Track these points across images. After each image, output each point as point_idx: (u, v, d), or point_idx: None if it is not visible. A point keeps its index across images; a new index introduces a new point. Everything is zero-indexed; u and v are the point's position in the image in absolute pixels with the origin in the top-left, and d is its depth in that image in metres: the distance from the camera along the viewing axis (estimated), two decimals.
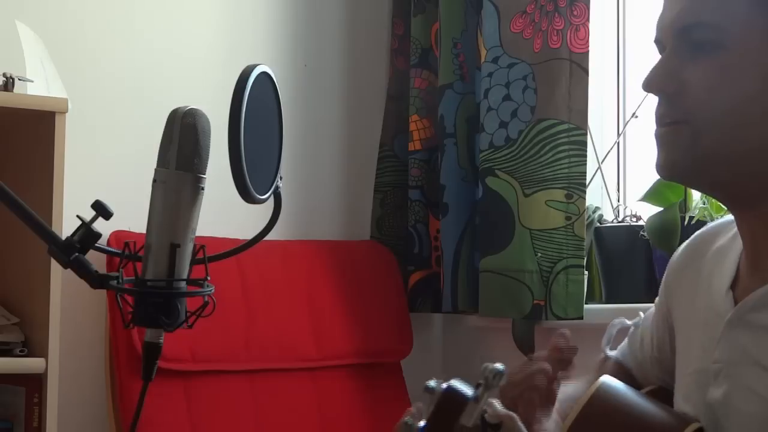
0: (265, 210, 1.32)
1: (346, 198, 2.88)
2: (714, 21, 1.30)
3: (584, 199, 2.48)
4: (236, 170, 1.21)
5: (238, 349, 2.51)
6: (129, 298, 1.24)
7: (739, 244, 1.40)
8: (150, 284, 1.22)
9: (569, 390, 1.43)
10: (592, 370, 1.58)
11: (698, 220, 2.28)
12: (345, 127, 2.89)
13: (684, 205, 2.32)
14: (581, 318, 2.46)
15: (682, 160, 1.33)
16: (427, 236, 2.77)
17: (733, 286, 1.39)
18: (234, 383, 2.50)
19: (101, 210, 1.24)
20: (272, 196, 1.28)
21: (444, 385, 1.14)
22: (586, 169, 2.49)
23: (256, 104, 1.23)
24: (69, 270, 1.24)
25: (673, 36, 1.34)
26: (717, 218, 2.28)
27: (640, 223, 2.44)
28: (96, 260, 1.28)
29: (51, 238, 1.24)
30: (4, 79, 2.11)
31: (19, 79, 2.13)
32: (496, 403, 1.22)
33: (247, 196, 1.22)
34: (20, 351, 2.14)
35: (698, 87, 1.31)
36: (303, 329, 2.60)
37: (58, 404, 2.11)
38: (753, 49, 1.29)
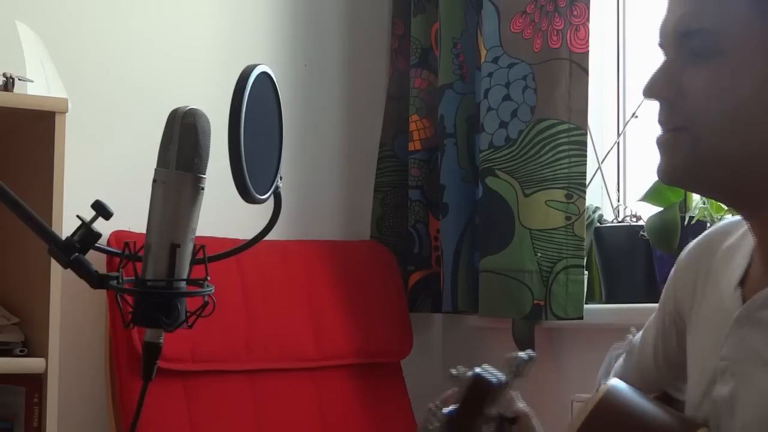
0: (265, 210, 1.32)
1: (346, 198, 2.88)
2: (713, 27, 1.31)
3: (584, 199, 2.48)
4: (236, 170, 1.21)
5: (238, 349, 2.51)
6: (129, 298, 1.24)
7: (748, 242, 1.41)
8: (150, 284, 1.22)
9: None
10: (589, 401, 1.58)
11: (698, 220, 2.29)
12: (345, 127, 2.89)
13: (684, 205, 2.32)
14: (581, 318, 2.46)
15: (683, 165, 1.34)
16: (427, 236, 2.77)
17: (742, 283, 1.39)
18: (234, 383, 2.50)
19: (101, 210, 1.24)
20: (272, 196, 1.28)
21: (470, 373, 1.14)
22: (586, 169, 2.49)
23: (256, 104, 1.23)
24: (69, 270, 1.24)
25: (674, 41, 1.35)
26: (717, 218, 2.28)
27: (640, 223, 2.44)
28: (96, 260, 1.28)
29: (51, 238, 1.24)
30: (4, 79, 2.11)
31: (19, 79, 2.13)
32: (516, 397, 1.22)
33: (247, 196, 1.22)
34: (20, 351, 2.14)
35: (697, 93, 1.32)
36: (303, 329, 2.60)
37: (58, 404, 2.10)
38: (751, 55, 1.30)
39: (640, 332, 1.63)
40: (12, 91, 2.11)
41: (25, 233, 1.28)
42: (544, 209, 2.49)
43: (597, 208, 2.56)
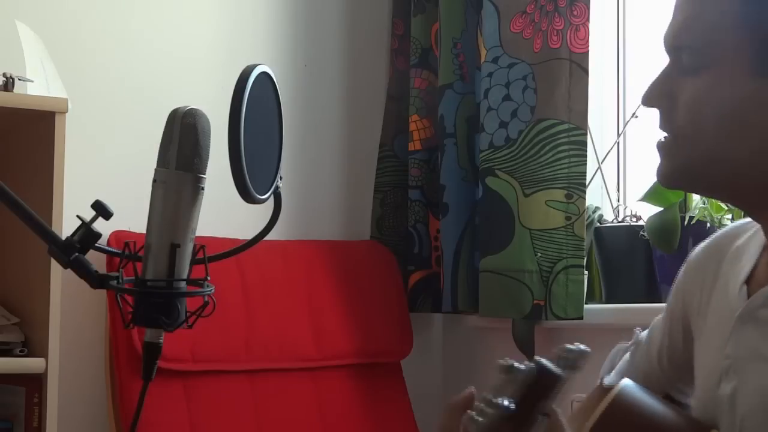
0: (265, 210, 1.32)
1: (346, 198, 2.88)
2: (698, 45, 1.35)
3: (584, 199, 2.48)
4: (236, 170, 1.21)
5: (238, 349, 2.51)
6: (129, 298, 1.24)
7: (756, 242, 1.43)
8: (150, 284, 1.22)
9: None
10: (589, 398, 1.58)
11: (698, 220, 2.29)
12: (345, 127, 2.89)
13: (684, 205, 2.32)
14: (581, 318, 2.46)
15: (678, 170, 1.38)
16: (427, 236, 2.77)
17: (749, 281, 1.41)
18: (234, 383, 2.50)
19: (101, 210, 1.24)
20: (272, 196, 1.28)
21: (532, 364, 1.11)
22: (586, 169, 2.49)
23: (256, 104, 1.23)
24: (69, 270, 1.24)
25: (669, 52, 1.40)
26: (717, 218, 2.28)
27: (640, 223, 2.44)
28: (96, 260, 1.28)
29: (51, 238, 1.24)
30: (4, 79, 2.11)
31: (19, 79, 2.13)
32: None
33: (247, 196, 1.22)
34: (20, 351, 2.14)
35: (686, 103, 1.36)
36: (303, 329, 2.60)
37: (58, 404, 2.10)
38: (732, 72, 1.33)
39: (647, 330, 1.63)
40: (12, 91, 2.11)
41: (25, 233, 1.28)
42: (544, 209, 2.49)
43: (597, 208, 2.56)
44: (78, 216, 1.26)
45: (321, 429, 2.56)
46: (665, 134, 1.39)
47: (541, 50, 2.52)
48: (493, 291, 2.53)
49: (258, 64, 1.25)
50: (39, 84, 2.17)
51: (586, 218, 2.48)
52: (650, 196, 2.38)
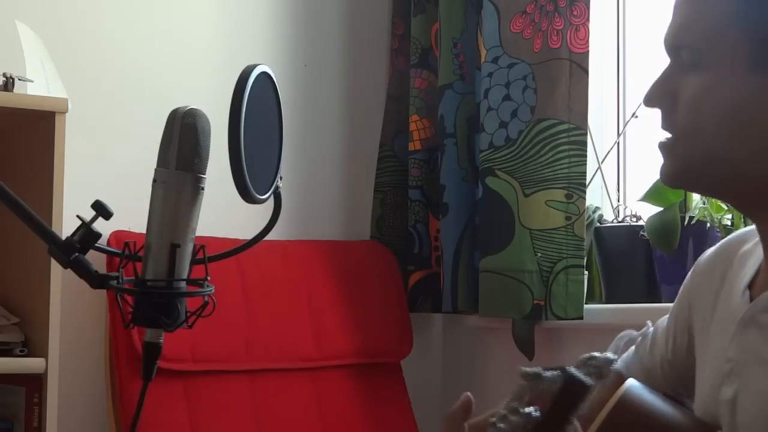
0: (265, 210, 1.32)
1: (346, 198, 2.88)
2: (697, 44, 1.36)
3: (584, 199, 2.48)
4: (236, 170, 1.21)
5: (238, 349, 2.51)
6: (129, 298, 1.24)
7: (761, 247, 1.42)
8: (150, 284, 1.22)
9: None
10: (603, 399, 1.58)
11: (698, 220, 2.29)
12: (345, 127, 2.89)
13: (684, 205, 2.32)
14: (581, 318, 2.46)
15: (679, 170, 1.39)
16: (427, 236, 2.77)
17: (751, 286, 1.41)
18: (234, 383, 2.50)
19: (101, 210, 1.24)
20: (272, 196, 1.28)
21: (558, 372, 1.10)
22: (586, 169, 2.49)
23: (256, 104, 1.23)
24: (69, 270, 1.24)
25: (669, 52, 1.40)
26: (717, 218, 2.28)
27: (640, 223, 2.44)
28: (96, 260, 1.28)
29: (51, 238, 1.24)
30: (4, 79, 2.11)
31: (19, 79, 2.13)
32: None
33: (247, 196, 1.22)
34: (20, 351, 2.14)
35: (688, 101, 1.36)
36: (303, 329, 2.60)
37: (58, 404, 2.10)
38: (732, 70, 1.34)
39: (654, 327, 1.63)
40: (12, 91, 2.11)
41: (25, 233, 1.28)
42: (544, 209, 2.49)
43: (597, 208, 2.56)
44: (78, 216, 1.26)
45: (321, 429, 2.56)
46: (664, 135, 1.39)
47: (541, 50, 2.52)
48: (493, 291, 2.53)
49: (258, 64, 1.25)
50: (39, 84, 2.17)
51: (586, 218, 2.48)
52: (650, 196, 2.38)
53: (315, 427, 2.55)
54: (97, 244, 1.25)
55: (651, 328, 1.64)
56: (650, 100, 1.40)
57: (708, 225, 2.29)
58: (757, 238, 1.45)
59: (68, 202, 2.07)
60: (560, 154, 2.49)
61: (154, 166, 1.23)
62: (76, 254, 1.23)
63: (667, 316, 1.61)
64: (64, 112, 2.12)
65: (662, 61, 1.42)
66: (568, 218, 2.48)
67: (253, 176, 1.22)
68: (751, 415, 1.34)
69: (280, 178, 1.29)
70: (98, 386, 2.49)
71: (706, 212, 2.29)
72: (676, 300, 1.58)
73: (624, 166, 2.69)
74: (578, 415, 1.08)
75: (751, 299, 1.39)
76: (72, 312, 2.35)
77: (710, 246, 1.58)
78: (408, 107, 2.81)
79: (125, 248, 1.26)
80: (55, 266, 2.08)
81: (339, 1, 2.89)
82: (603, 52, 2.71)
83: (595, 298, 2.56)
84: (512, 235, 2.51)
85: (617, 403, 1.39)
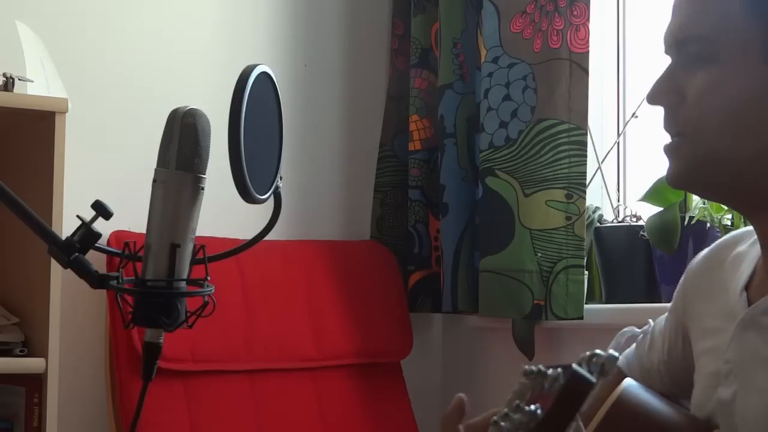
0: (265, 210, 1.32)
1: (346, 198, 2.88)
2: (707, 35, 1.34)
3: (584, 199, 2.48)
4: (236, 170, 1.21)
5: (238, 349, 2.51)
6: (129, 298, 1.24)
7: (757, 249, 1.42)
8: (150, 284, 1.22)
9: None
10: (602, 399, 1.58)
11: (698, 220, 2.29)
12: (345, 127, 2.89)
13: (684, 205, 2.32)
14: (581, 318, 2.46)
15: (686, 170, 1.37)
16: (427, 236, 2.77)
17: (748, 287, 1.41)
18: (234, 383, 2.50)
19: (101, 210, 1.24)
20: (272, 196, 1.28)
21: (560, 370, 1.09)
22: (586, 169, 2.49)
23: (256, 104, 1.23)
24: (69, 270, 1.24)
25: (674, 49, 1.38)
26: (717, 218, 2.28)
27: (640, 223, 2.44)
28: (96, 260, 1.28)
29: (51, 238, 1.24)
30: (4, 79, 2.11)
31: (19, 79, 2.13)
32: None
33: (247, 196, 1.22)
34: (20, 351, 2.14)
35: (694, 98, 1.34)
36: (303, 329, 2.60)
37: (58, 404, 2.10)
38: (747, 60, 1.32)
39: (652, 327, 1.63)
40: (12, 91, 2.11)
41: (25, 233, 1.28)
42: (544, 209, 2.49)
43: (597, 208, 2.56)
44: (78, 216, 1.26)
45: (321, 429, 2.56)
46: (670, 134, 1.38)
47: (541, 50, 2.52)
48: (493, 291, 2.53)
49: (258, 64, 1.25)
50: (39, 84, 2.17)
51: (586, 218, 2.48)
52: (650, 196, 2.38)
53: (315, 427, 2.55)
54: (97, 244, 1.25)
55: (652, 326, 1.64)
56: (654, 98, 1.38)
57: (708, 225, 2.29)
58: (752, 239, 1.45)
59: (68, 202, 2.07)
60: (560, 154, 2.49)
61: (154, 166, 1.23)
62: (76, 254, 1.24)
63: (665, 315, 1.61)
64: (64, 112, 2.12)
65: (663, 60, 1.41)
66: (568, 218, 2.48)
67: (253, 176, 1.22)
68: (755, 416, 1.34)
69: (280, 178, 1.29)
70: (98, 386, 2.49)
71: (706, 212, 2.29)
72: (671, 304, 1.58)
73: (624, 166, 2.69)
74: (581, 412, 1.08)
75: (749, 300, 1.39)
76: (72, 312, 2.35)
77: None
78: (408, 107, 2.81)
79: (125, 248, 1.26)
80: (55, 266, 2.08)
81: (339, 1, 2.89)
82: (603, 52, 2.71)
83: (595, 298, 2.56)
84: (512, 235, 2.51)
85: (615, 402, 1.39)
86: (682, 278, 1.56)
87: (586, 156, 2.49)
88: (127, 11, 2.62)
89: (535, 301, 2.48)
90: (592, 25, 2.50)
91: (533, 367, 1.10)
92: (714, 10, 1.34)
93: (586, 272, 2.51)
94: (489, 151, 2.55)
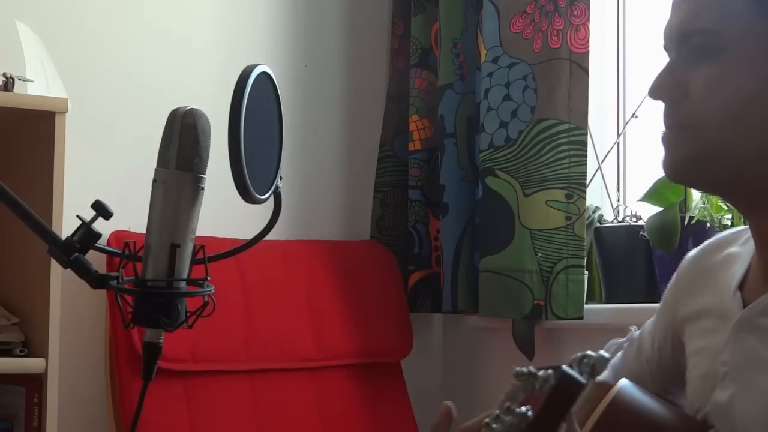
0: (265, 210, 1.32)
1: (346, 198, 2.88)
2: (713, 27, 1.32)
3: (584, 199, 2.48)
4: (236, 170, 1.21)
5: (238, 349, 2.51)
6: (129, 298, 1.24)
7: (749, 249, 1.41)
8: (150, 284, 1.22)
9: None
10: (584, 396, 1.57)
11: (698, 220, 2.29)
12: (345, 127, 2.89)
13: (684, 205, 2.32)
14: (581, 318, 2.46)
15: (686, 161, 1.35)
16: (427, 236, 2.77)
17: (742, 287, 1.40)
18: (234, 383, 2.50)
19: (101, 210, 1.24)
20: (272, 196, 1.28)
21: (554, 371, 1.09)
22: (586, 169, 2.49)
23: (256, 104, 1.23)
24: (69, 270, 1.24)
25: (677, 42, 1.37)
26: (717, 218, 2.28)
27: (640, 223, 2.44)
28: (96, 260, 1.28)
29: (51, 238, 1.24)
30: (4, 79, 2.11)
31: (19, 79, 2.13)
32: None
33: (247, 196, 1.22)
34: (20, 351, 2.14)
35: (700, 91, 1.33)
36: (303, 329, 2.60)
37: (58, 404, 2.10)
38: (752, 54, 1.31)
39: (640, 330, 1.63)
40: (12, 91, 2.11)
41: (25, 233, 1.28)
42: (545, 209, 2.49)
43: (597, 208, 2.56)
44: (78, 216, 1.26)
45: (321, 429, 2.56)
46: (670, 127, 1.36)
47: (541, 50, 2.52)
48: (493, 291, 2.53)
49: (258, 64, 1.25)
50: (39, 84, 2.17)
51: (586, 218, 2.48)
52: (650, 196, 2.38)
53: (315, 427, 2.55)
54: (97, 244, 1.25)
55: (636, 333, 1.63)
56: (656, 91, 1.36)
57: (708, 225, 2.29)
58: (743, 239, 1.44)
59: (68, 202, 2.07)
60: (560, 154, 2.49)
61: (154, 166, 1.23)
62: (76, 254, 1.24)
63: (652, 318, 1.60)
64: (64, 112, 2.12)
65: (663, 57, 1.39)
66: (568, 218, 2.48)
67: (253, 176, 1.22)
68: (755, 418, 1.33)
69: (280, 178, 1.29)
70: (98, 386, 2.49)
71: (706, 212, 2.29)
72: (661, 302, 1.57)
73: (624, 166, 2.69)
74: (572, 413, 1.08)
75: (743, 300, 1.38)
76: (72, 312, 2.35)
77: None
78: (408, 107, 2.81)
79: (125, 248, 1.26)
80: (55, 266, 2.08)
81: (339, 1, 2.89)
82: (603, 52, 2.71)
83: (595, 298, 2.56)
84: (512, 235, 2.51)
85: (611, 402, 1.39)
86: (673, 278, 1.55)
87: (586, 156, 2.49)
88: (128, 11, 2.62)
89: (535, 301, 2.48)
90: (592, 25, 2.50)
91: (524, 369, 1.10)
92: (718, 2, 1.32)
93: (586, 272, 2.51)
94: (489, 151, 2.55)
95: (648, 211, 2.41)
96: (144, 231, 1.23)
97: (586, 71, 2.48)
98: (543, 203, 2.49)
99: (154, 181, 1.23)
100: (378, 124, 2.89)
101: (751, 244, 1.40)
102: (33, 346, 2.14)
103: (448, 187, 2.66)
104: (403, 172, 2.83)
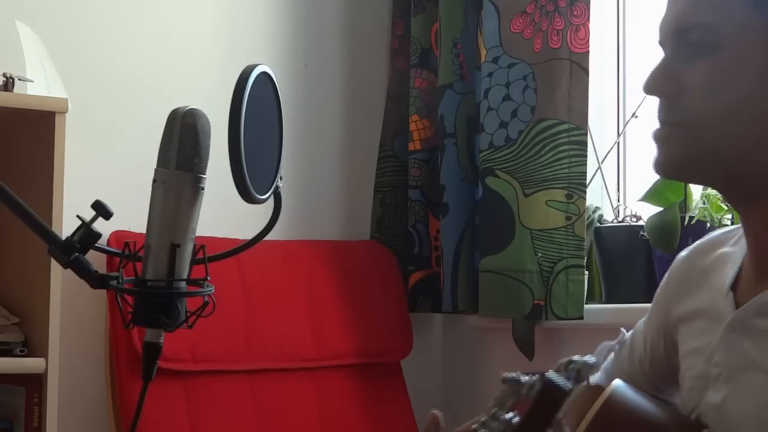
0: (265, 210, 1.32)
1: (346, 198, 2.88)
2: (710, 22, 1.32)
3: (584, 199, 2.48)
4: (236, 170, 1.21)
5: (238, 349, 2.51)
6: (129, 298, 1.24)
7: (740, 249, 1.41)
8: (150, 284, 1.22)
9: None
10: (577, 397, 1.57)
11: (698, 220, 2.29)
12: (345, 127, 2.89)
13: (684, 205, 2.32)
14: (581, 318, 2.46)
15: (680, 157, 1.34)
16: (427, 236, 2.77)
17: (735, 288, 1.39)
18: (234, 383, 2.50)
19: (101, 210, 1.24)
20: (272, 196, 1.28)
21: (538, 377, 1.09)
22: (586, 169, 2.49)
23: (256, 104, 1.23)
24: (69, 270, 1.24)
25: (672, 38, 1.36)
26: (717, 218, 2.28)
27: (640, 223, 2.44)
28: (96, 260, 1.28)
29: (51, 238, 1.24)
30: (4, 79, 2.11)
31: (19, 79, 2.13)
32: None
33: (247, 196, 1.22)
34: (20, 351, 2.14)
35: (696, 88, 1.32)
36: (303, 329, 2.60)
37: (58, 404, 2.10)
38: (749, 50, 1.31)
39: (631, 331, 1.63)
40: (12, 91, 2.11)
41: (25, 233, 1.28)
42: (545, 209, 2.49)
43: (597, 208, 2.56)
44: (78, 216, 1.26)
45: (321, 429, 2.56)
46: (664, 123, 1.35)
47: (541, 50, 2.52)
48: (493, 291, 2.53)
49: (258, 64, 1.25)
50: (39, 84, 2.17)
51: (586, 218, 2.48)
52: (650, 196, 2.38)
53: (315, 427, 2.55)
54: (97, 244, 1.25)
55: (627, 335, 1.63)
56: (651, 87, 1.36)
57: (708, 225, 2.29)
58: (735, 238, 1.43)
59: (68, 202, 2.07)
60: (560, 154, 2.49)
61: (154, 166, 1.23)
62: (76, 254, 1.23)
63: (644, 318, 1.60)
64: (64, 112, 2.12)
65: (658, 53, 1.39)
66: (568, 218, 2.48)
67: (253, 176, 1.22)
68: (749, 419, 1.33)
69: (280, 178, 1.29)
70: (98, 386, 2.49)
71: (706, 212, 2.29)
72: (653, 302, 1.57)
73: (624, 166, 2.69)
74: (559, 418, 1.08)
75: (736, 301, 1.37)
76: (72, 312, 2.35)
77: None
78: (408, 107, 2.81)
79: (125, 248, 1.26)
80: (55, 266, 2.08)
81: (339, 1, 2.89)
82: (603, 52, 2.71)
83: (595, 298, 2.56)
84: (512, 235, 2.51)
85: (604, 403, 1.39)
86: (664, 278, 1.55)
87: (586, 156, 2.49)
88: (128, 11, 2.62)
89: (535, 301, 2.48)
90: (592, 25, 2.50)
91: (510, 375, 1.10)
92: None
93: (586, 272, 2.51)
94: (489, 151, 2.55)
95: (648, 211, 2.41)
96: (144, 231, 1.23)
97: (586, 71, 2.49)
98: (543, 203, 2.49)
99: (154, 181, 1.23)
100: (378, 124, 2.89)
101: (743, 243, 1.40)
102: (33, 346, 2.14)
103: (448, 187, 2.66)
104: (403, 172, 2.83)
